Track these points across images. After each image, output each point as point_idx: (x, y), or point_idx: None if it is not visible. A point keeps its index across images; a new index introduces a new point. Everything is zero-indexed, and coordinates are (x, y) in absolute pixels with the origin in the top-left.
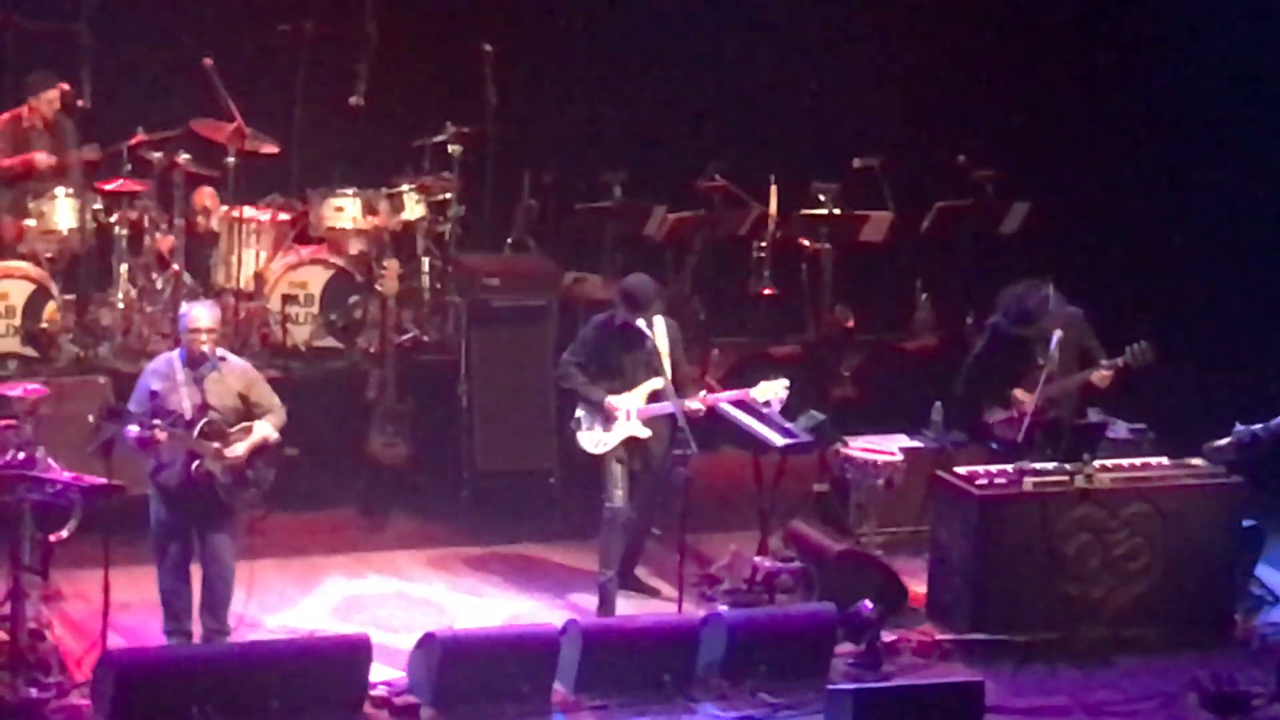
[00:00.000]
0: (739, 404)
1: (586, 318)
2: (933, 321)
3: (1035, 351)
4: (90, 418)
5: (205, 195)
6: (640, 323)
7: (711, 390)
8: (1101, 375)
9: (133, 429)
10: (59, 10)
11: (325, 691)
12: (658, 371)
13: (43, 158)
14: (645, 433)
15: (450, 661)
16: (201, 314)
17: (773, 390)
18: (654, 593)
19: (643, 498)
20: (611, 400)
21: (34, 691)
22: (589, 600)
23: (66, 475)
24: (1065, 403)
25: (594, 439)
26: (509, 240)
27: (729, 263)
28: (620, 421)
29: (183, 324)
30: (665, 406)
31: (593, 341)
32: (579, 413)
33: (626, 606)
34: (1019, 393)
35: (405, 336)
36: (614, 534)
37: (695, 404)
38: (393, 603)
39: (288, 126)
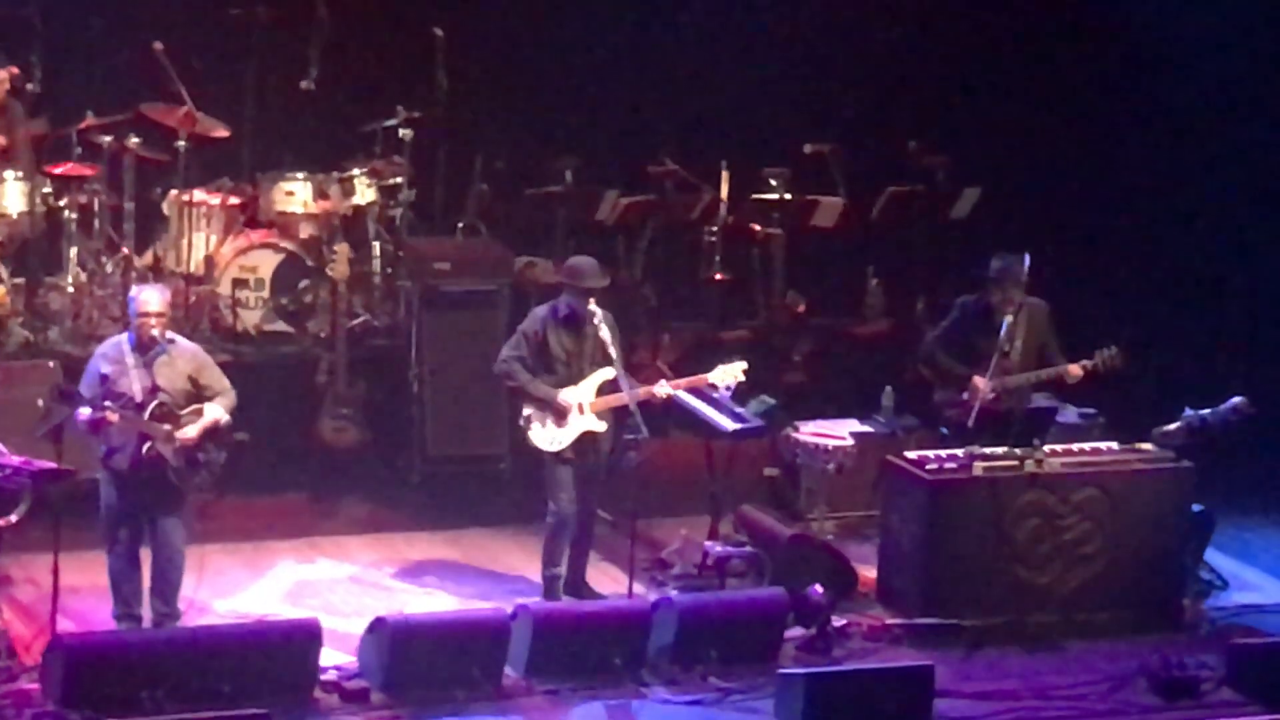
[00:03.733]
0: (693, 389)
1: (539, 302)
2: (883, 307)
3: (999, 336)
4: (40, 401)
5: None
6: (592, 306)
7: (664, 375)
8: (1077, 369)
9: (84, 412)
10: None
11: (275, 676)
12: (605, 361)
13: None
14: (601, 426)
15: (401, 646)
16: (151, 298)
17: (731, 373)
18: (600, 599)
19: (589, 488)
20: (564, 396)
21: None
22: (540, 584)
23: (16, 459)
24: (1021, 395)
25: (548, 437)
26: (460, 225)
27: (680, 248)
28: (574, 416)
29: (132, 308)
30: (620, 397)
31: (537, 334)
32: (526, 410)
33: None
34: (978, 379)
35: (356, 321)
36: (560, 537)
37: (660, 390)
38: (343, 587)
39: (238, 110)
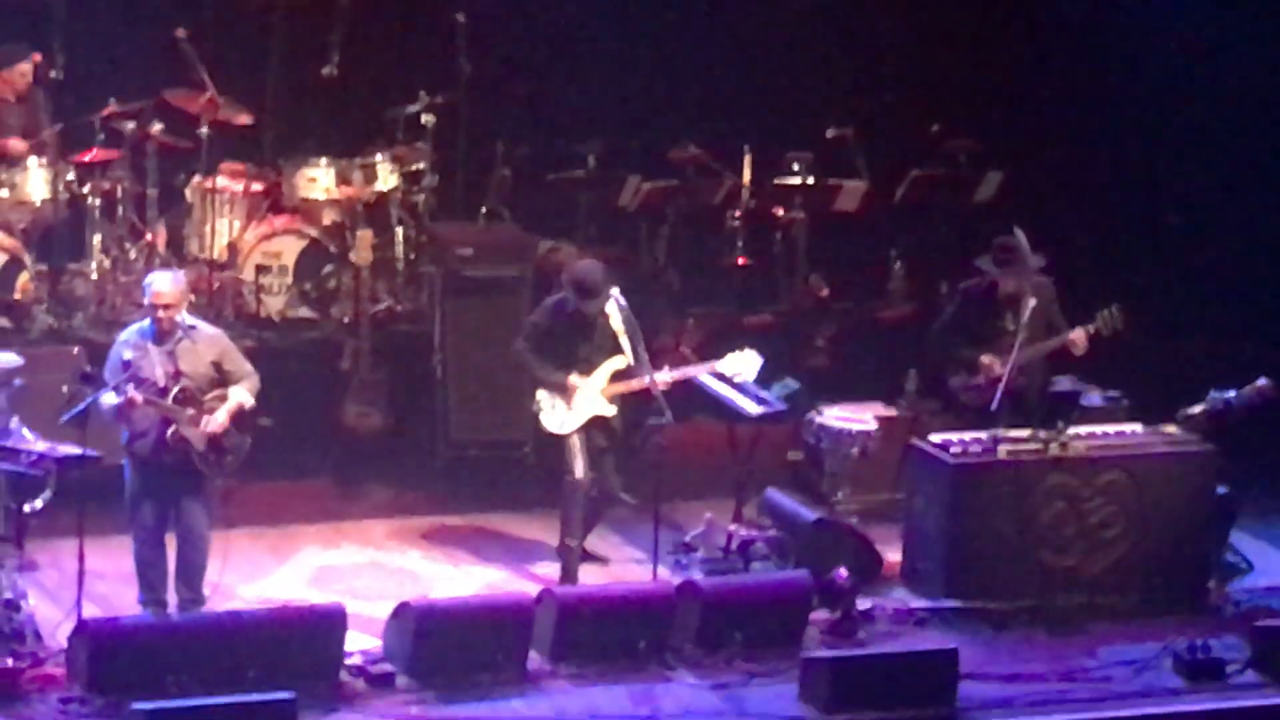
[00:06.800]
0: (712, 375)
1: (560, 288)
2: (907, 290)
3: (1005, 318)
4: (65, 388)
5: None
6: (614, 293)
7: (686, 360)
8: (1078, 337)
9: (107, 398)
10: None
11: (300, 661)
12: (617, 350)
13: (17, 144)
14: (610, 410)
15: (425, 631)
16: (163, 286)
17: (741, 363)
18: (602, 561)
19: (607, 472)
20: (574, 381)
21: (9, 661)
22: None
23: (41, 445)
24: (1034, 369)
25: (557, 419)
26: (483, 210)
27: (703, 232)
28: (583, 400)
29: (146, 295)
30: (632, 383)
31: (547, 326)
32: (539, 395)
33: (599, 576)
34: (986, 358)
35: (379, 307)
36: (574, 504)
37: (667, 376)
38: (367, 572)
39: (261, 97)
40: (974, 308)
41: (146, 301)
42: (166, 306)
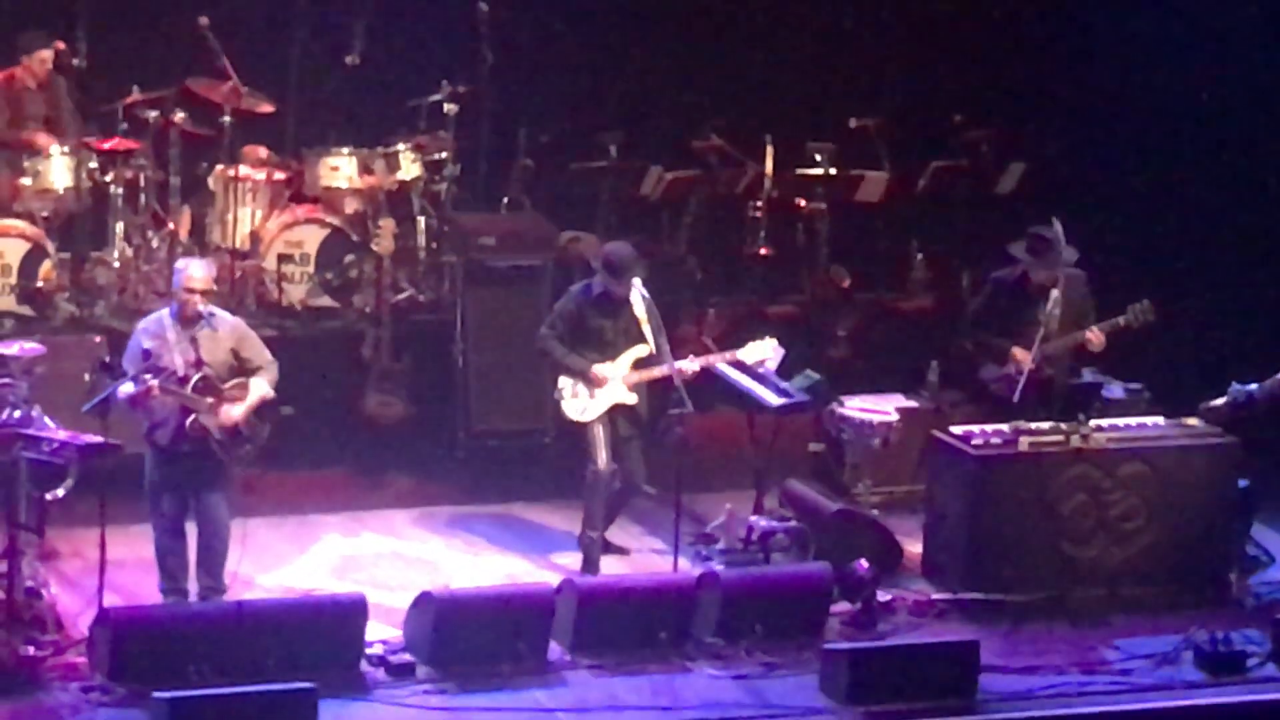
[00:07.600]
0: (733, 364)
1: (582, 277)
2: (928, 281)
3: (1036, 309)
4: (86, 376)
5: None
6: (635, 283)
7: (707, 350)
8: (1094, 336)
9: (126, 387)
10: None
11: (321, 650)
12: (640, 338)
13: (43, 138)
14: (632, 398)
15: (446, 620)
16: (196, 272)
17: (761, 351)
18: (623, 551)
19: (631, 462)
20: (597, 369)
21: (30, 649)
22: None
23: (63, 434)
24: (1060, 362)
25: (579, 406)
26: (505, 200)
27: (725, 222)
28: (606, 388)
29: (176, 280)
30: (653, 371)
31: (572, 313)
32: (561, 382)
33: (621, 567)
34: (1017, 351)
35: (401, 296)
36: (597, 495)
37: (688, 365)
38: (388, 562)
39: (283, 85)
40: (1005, 297)
41: (177, 286)
42: (195, 292)
